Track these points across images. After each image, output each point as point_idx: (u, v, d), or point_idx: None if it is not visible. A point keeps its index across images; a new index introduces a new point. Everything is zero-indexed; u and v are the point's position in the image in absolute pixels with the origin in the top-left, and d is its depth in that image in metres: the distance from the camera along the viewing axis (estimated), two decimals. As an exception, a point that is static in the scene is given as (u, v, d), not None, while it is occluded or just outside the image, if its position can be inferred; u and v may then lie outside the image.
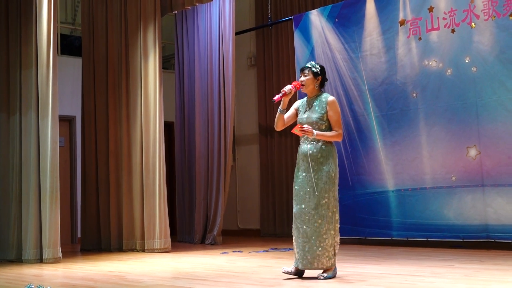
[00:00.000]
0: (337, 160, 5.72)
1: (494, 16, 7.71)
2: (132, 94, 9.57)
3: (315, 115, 5.69)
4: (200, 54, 10.50)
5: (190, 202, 10.58)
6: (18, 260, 8.35)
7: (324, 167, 5.59)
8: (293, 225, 5.70)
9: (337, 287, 5.14)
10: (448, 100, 8.11)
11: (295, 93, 5.95)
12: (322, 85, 5.84)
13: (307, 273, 5.69)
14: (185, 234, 10.64)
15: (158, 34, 9.54)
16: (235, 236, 11.38)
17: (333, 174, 5.60)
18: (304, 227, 5.56)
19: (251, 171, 11.77)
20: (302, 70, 5.85)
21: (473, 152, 7.87)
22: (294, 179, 5.75)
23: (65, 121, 11.15)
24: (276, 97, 5.75)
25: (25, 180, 8.40)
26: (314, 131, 5.58)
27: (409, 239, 8.46)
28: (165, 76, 10.42)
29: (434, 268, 6.09)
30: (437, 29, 8.23)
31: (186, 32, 10.79)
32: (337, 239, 5.62)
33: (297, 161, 5.78)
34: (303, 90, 5.80)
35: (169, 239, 9.26)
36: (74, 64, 10.98)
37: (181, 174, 10.80)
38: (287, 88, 5.74)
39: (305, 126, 5.62)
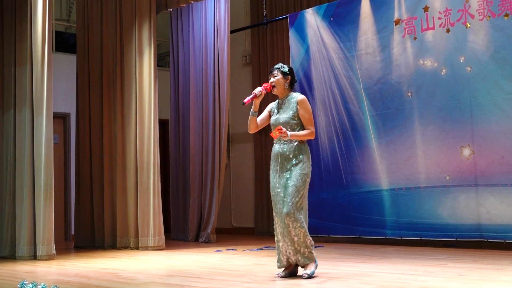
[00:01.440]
0: (310, 160, 5.75)
1: (489, 16, 7.70)
2: (127, 92, 9.54)
3: (286, 116, 5.71)
4: (195, 52, 10.48)
5: (184, 200, 10.56)
6: (11, 257, 8.34)
7: (296, 167, 5.61)
8: (274, 226, 5.73)
9: (330, 285, 5.13)
10: (442, 99, 8.11)
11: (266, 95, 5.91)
12: (292, 85, 5.86)
13: (301, 271, 5.68)
14: (179, 232, 10.62)
15: (153, 31, 9.50)
16: (229, 235, 11.36)
17: (304, 173, 5.60)
18: (281, 225, 5.58)
19: (246, 169, 11.76)
20: (271, 72, 5.85)
21: (467, 151, 7.87)
22: (270, 180, 5.77)
23: (60, 118, 11.13)
24: (246, 100, 5.76)
25: (19, 177, 8.39)
26: (289, 133, 5.57)
27: (402, 238, 8.46)
28: (160, 74, 10.40)
29: (427, 267, 6.08)
30: (432, 28, 8.23)
31: (181, 30, 10.77)
32: (308, 236, 5.58)
33: (271, 161, 5.80)
34: (274, 91, 5.81)
35: (163, 236, 9.25)
36: (69, 61, 10.97)
37: (175, 172, 10.78)
38: (258, 90, 5.74)
39: (283, 129, 5.57)
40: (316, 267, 5.64)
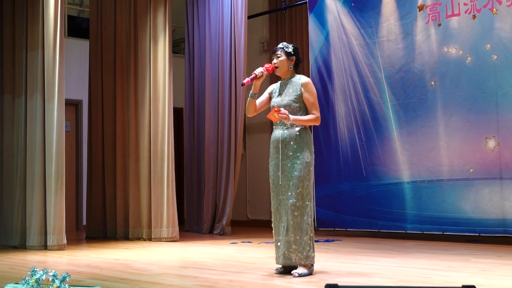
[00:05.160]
0: (313, 147, 5.42)
1: (518, 2, 7.50)
2: (141, 79, 9.41)
3: (288, 98, 5.38)
4: (211, 38, 10.31)
5: (198, 191, 10.43)
6: (22, 246, 8.26)
7: (298, 154, 5.27)
8: (272, 218, 5.42)
9: (350, 280, 5.01)
10: (467, 89, 7.91)
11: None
12: (296, 66, 5.53)
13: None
14: (193, 224, 10.50)
15: (169, 16, 9.36)
16: (245, 227, 11.23)
17: (307, 161, 5.28)
18: (283, 218, 5.27)
19: (262, 160, 11.47)
20: (274, 52, 5.53)
21: (491, 143, 7.68)
22: (269, 169, 5.45)
23: (72, 105, 11.00)
24: (246, 80, 5.43)
25: (30, 164, 8.29)
26: (291, 116, 5.25)
27: (424, 232, 8.29)
28: (174, 61, 10.25)
29: (450, 262, 5.98)
30: (458, 15, 8.01)
31: (197, 15, 10.61)
32: (313, 232, 5.29)
33: (270, 149, 5.47)
34: (277, 72, 5.49)
35: (177, 228, 9.12)
36: (81, 47, 10.85)
37: (189, 162, 10.65)
38: (258, 70, 5.41)
39: (282, 110, 5.26)
40: (310, 273, 5.27)
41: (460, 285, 2.69)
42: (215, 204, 10.12)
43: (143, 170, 9.28)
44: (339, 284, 2.84)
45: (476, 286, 2.95)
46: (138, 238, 9.23)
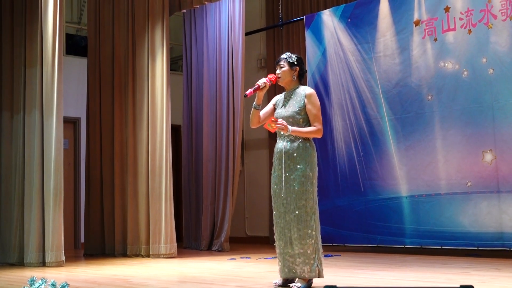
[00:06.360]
0: (316, 159, 5.37)
1: (512, 16, 7.54)
2: (139, 96, 9.40)
3: (292, 109, 5.32)
4: (208, 55, 10.34)
5: (197, 207, 10.40)
6: (20, 263, 8.22)
7: (301, 166, 5.22)
8: (274, 231, 5.37)
9: None
10: (464, 103, 7.92)
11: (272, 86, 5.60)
12: (300, 77, 5.48)
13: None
14: (192, 240, 10.45)
15: (166, 33, 9.37)
16: (243, 243, 11.18)
17: (310, 174, 5.24)
18: (285, 231, 5.21)
19: (260, 176, 11.53)
20: (277, 63, 5.48)
21: (489, 157, 7.68)
22: (271, 181, 5.41)
23: (70, 123, 10.99)
24: (248, 91, 5.37)
25: (28, 181, 8.27)
26: (290, 127, 5.20)
27: (422, 247, 8.26)
28: (172, 79, 10.25)
29: (449, 275, 5.97)
30: (454, 29, 8.05)
31: (194, 32, 10.64)
32: (319, 245, 5.24)
33: (273, 160, 5.42)
34: (280, 82, 5.44)
35: (175, 244, 9.08)
36: (80, 65, 10.85)
37: (187, 178, 10.62)
38: (261, 81, 5.35)
39: (279, 120, 5.24)
40: (309, 286, 5.21)
41: (458, 285, 2.70)
42: (214, 220, 10.08)
43: (141, 187, 9.24)
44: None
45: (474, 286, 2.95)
46: (137, 255, 9.18)
